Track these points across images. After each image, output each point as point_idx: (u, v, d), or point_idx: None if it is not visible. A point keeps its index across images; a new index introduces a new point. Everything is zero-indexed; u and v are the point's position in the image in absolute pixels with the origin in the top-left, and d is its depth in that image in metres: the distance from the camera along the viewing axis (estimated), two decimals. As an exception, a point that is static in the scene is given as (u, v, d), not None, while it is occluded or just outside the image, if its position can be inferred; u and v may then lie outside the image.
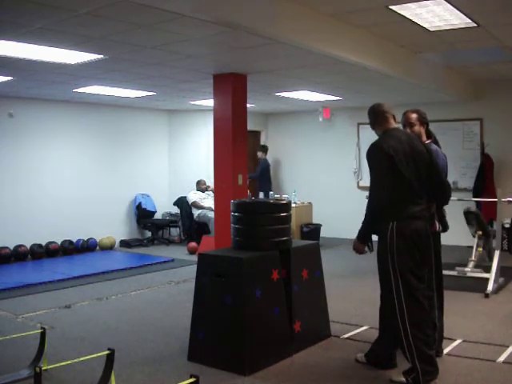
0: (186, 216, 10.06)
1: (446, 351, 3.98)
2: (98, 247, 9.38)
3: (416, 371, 3.32)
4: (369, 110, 3.69)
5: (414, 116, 3.90)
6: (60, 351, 4.11)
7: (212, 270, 3.89)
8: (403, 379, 3.39)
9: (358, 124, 10.37)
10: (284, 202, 4.22)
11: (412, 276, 3.37)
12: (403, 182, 3.37)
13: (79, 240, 9.08)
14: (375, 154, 3.44)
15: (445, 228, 3.85)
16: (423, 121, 3.91)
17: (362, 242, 3.56)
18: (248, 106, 7.27)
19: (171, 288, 6.48)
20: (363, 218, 3.50)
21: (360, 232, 3.55)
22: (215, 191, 7.26)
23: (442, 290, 3.92)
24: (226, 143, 6.87)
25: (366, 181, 10.33)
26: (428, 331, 3.42)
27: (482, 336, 4.33)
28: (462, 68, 7.81)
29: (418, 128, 3.88)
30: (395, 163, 3.34)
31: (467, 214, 6.55)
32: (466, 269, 6.21)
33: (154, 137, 10.69)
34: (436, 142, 3.98)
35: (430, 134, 3.98)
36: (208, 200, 9.69)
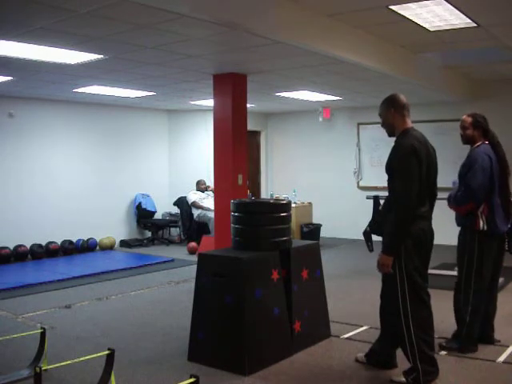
0: (186, 216, 10.06)
1: (446, 351, 3.98)
2: (98, 247, 9.38)
3: (417, 371, 3.33)
4: (388, 101, 3.49)
5: (468, 120, 4.00)
6: (60, 351, 4.10)
7: (212, 270, 3.89)
8: (403, 379, 3.39)
9: (358, 124, 10.35)
10: (284, 201, 4.22)
11: (418, 275, 3.38)
12: (421, 184, 3.31)
13: (79, 240, 9.08)
14: (408, 157, 3.26)
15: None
16: (477, 125, 3.97)
17: (391, 256, 3.30)
18: (248, 106, 7.27)
19: (171, 288, 6.48)
20: (389, 229, 3.31)
21: (388, 245, 3.31)
22: (215, 191, 7.26)
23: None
24: (226, 143, 6.87)
25: (366, 181, 10.33)
26: (430, 332, 3.43)
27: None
28: (461, 68, 7.81)
29: (470, 132, 4.00)
30: (421, 164, 3.29)
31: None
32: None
33: (154, 137, 10.69)
34: (495, 146, 3.97)
35: (487, 137, 4.00)
36: (208, 200, 9.69)
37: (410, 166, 3.26)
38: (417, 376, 3.32)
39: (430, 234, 3.47)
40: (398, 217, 3.27)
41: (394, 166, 3.37)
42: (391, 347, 3.69)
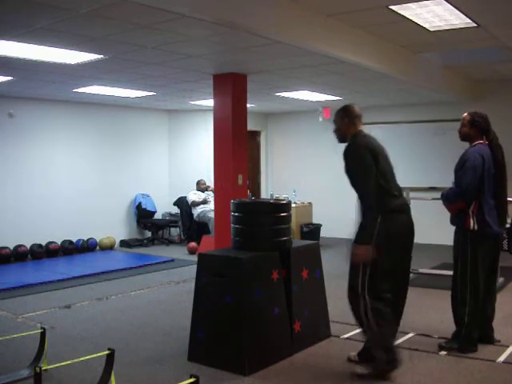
0: (186, 216, 10.06)
1: (446, 351, 3.99)
2: (98, 247, 9.38)
3: (378, 360, 3.42)
4: (343, 111, 3.75)
5: (467, 118, 4.04)
6: (60, 351, 4.10)
7: (212, 270, 3.89)
8: (365, 371, 3.50)
9: (358, 124, 10.34)
10: (284, 201, 4.22)
11: (383, 273, 3.45)
12: (385, 176, 3.47)
13: (79, 240, 9.08)
14: (359, 152, 3.48)
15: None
16: (475, 124, 3.98)
17: (369, 243, 3.39)
18: (248, 106, 7.27)
19: (171, 288, 6.48)
20: (364, 220, 3.42)
21: (365, 234, 3.41)
22: (215, 191, 7.26)
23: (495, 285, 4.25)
24: (225, 143, 6.87)
25: (366, 181, 10.33)
26: (392, 323, 3.50)
27: (482, 336, 4.33)
28: (461, 68, 7.81)
29: (466, 129, 4.03)
30: (378, 159, 3.44)
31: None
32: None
33: (154, 137, 10.69)
34: (493, 147, 3.98)
35: (488, 137, 4.01)
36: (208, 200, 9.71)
37: (365, 163, 3.42)
38: (377, 365, 3.42)
39: (408, 228, 3.50)
40: (368, 216, 3.41)
41: (350, 166, 3.51)
42: None
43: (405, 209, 3.52)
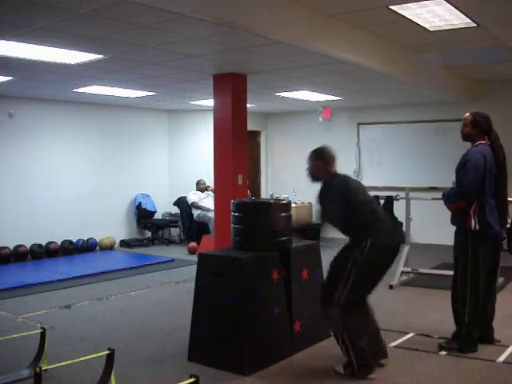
0: (186, 216, 10.06)
1: (446, 351, 3.99)
2: (98, 247, 9.38)
3: (352, 365, 3.49)
4: (317, 155, 3.81)
5: (468, 118, 4.04)
6: (60, 351, 4.10)
7: (212, 270, 3.89)
8: (342, 371, 3.55)
9: (358, 124, 10.35)
10: (284, 201, 4.22)
11: (367, 289, 3.56)
12: (372, 204, 3.67)
13: (79, 240, 9.08)
14: (349, 180, 3.75)
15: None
16: (476, 124, 3.98)
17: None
18: (248, 106, 7.27)
19: (171, 288, 6.48)
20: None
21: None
22: (215, 191, 7.26)
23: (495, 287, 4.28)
24: (226, 143, 6.87)
25: (367, 180, 10.32)
26: (366, 330, 3.56)
27: (482, 336, 4.33)
28: (461, 68, 7.81)
29: (468, 129, 4.03)
30: (362, 193, 3.69)
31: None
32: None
33: (154, 137, 10.69)
34: (495, 147, 3.98)
35: (490, 137, 4.01)
36: (208, 200, 9.69)
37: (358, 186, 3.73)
38: (352, 370, 3.50)
39: (393, 249, 3.61)
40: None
41: (343, 196, 3.74)
42: (376, 345, 3.71)
43: (391, 231, 3.63)
